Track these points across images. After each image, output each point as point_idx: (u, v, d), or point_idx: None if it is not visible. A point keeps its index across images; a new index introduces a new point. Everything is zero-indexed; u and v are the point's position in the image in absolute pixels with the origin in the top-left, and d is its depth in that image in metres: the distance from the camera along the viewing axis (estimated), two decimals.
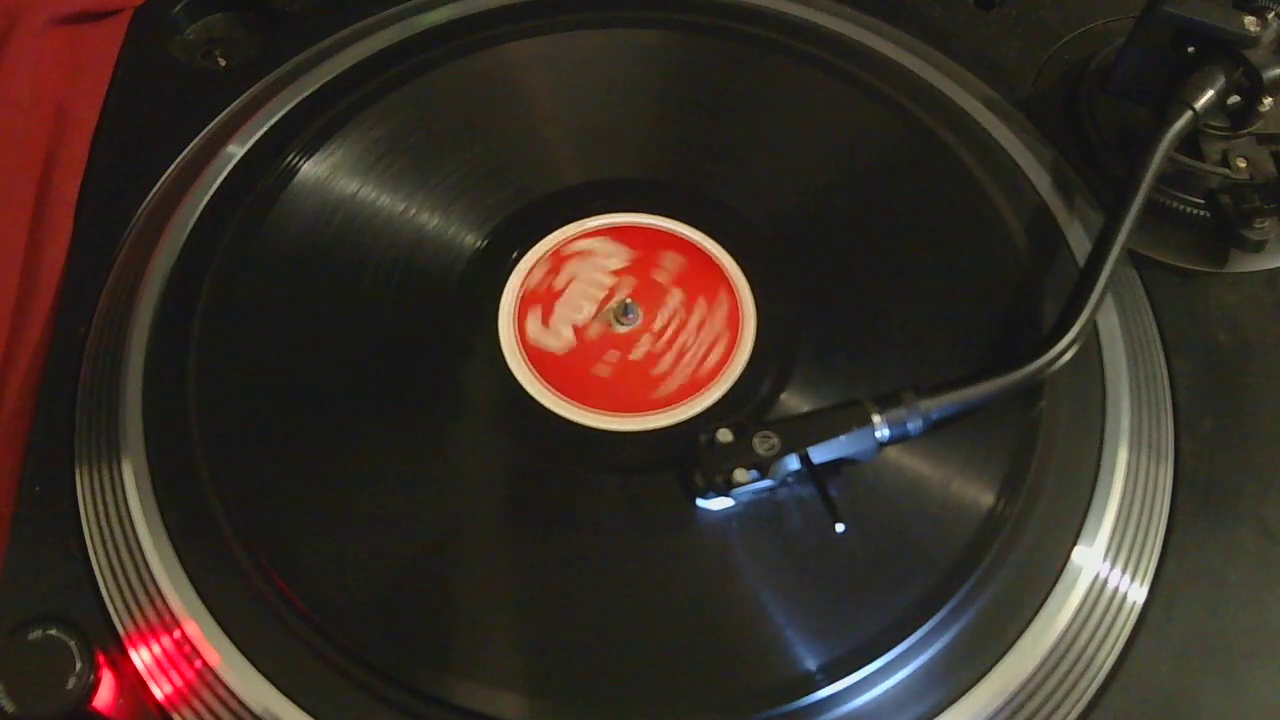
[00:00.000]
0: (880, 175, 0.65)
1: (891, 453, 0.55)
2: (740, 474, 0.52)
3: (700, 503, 0.54)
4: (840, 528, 0.51)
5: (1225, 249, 0.63)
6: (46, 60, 0.71)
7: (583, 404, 0.57)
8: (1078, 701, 0.52)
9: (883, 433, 0.53)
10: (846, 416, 0.53)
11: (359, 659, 0.51)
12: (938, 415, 0.54)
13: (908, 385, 0.54)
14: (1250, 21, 0.59)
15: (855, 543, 0.53)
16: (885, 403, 0.54)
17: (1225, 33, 0.60)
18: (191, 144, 0.67)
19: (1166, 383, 0.60)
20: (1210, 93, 0.60)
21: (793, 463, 0.52)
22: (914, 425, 0.54)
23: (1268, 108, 0.61)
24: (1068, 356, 0.55)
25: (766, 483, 0.52)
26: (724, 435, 0.53)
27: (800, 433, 0.53)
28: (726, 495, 0.53)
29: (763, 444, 0.52)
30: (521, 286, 0.61)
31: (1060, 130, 0.68)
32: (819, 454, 0.53)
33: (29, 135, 0.68)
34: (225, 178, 0.64)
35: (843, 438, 0.53)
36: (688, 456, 0.54)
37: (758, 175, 0.65)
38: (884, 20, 0.72)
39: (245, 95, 0.69)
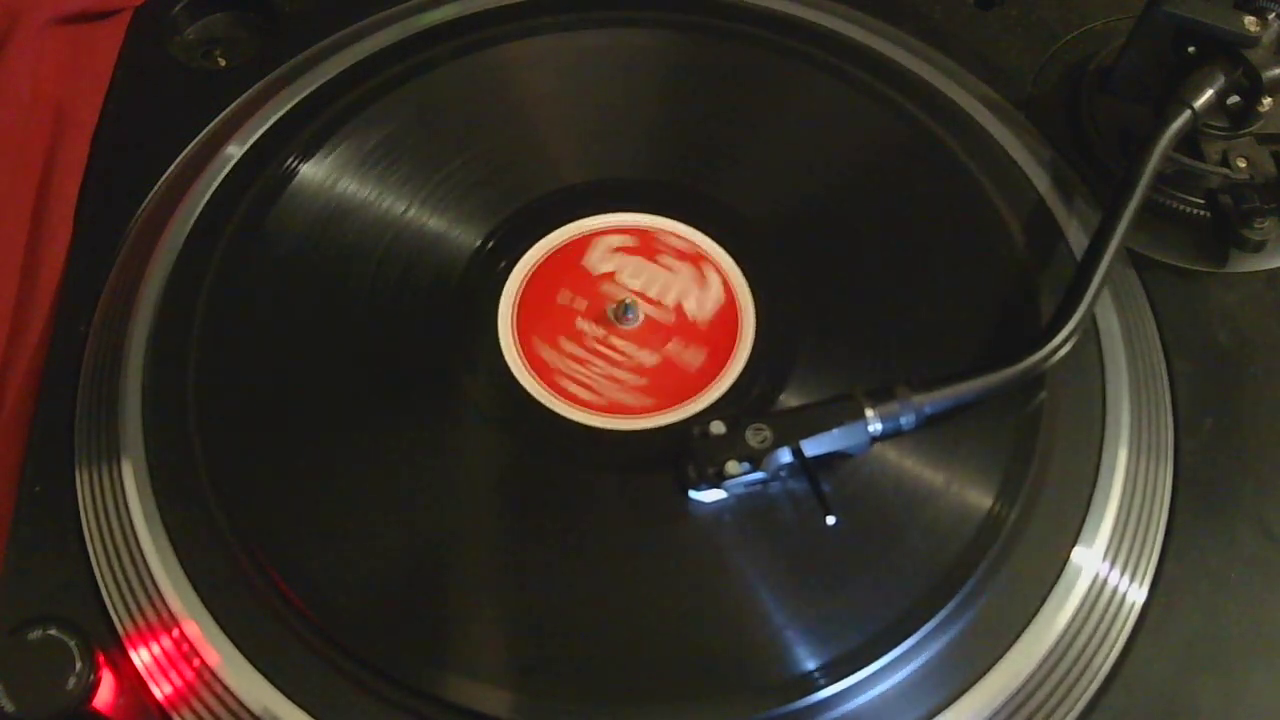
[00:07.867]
0: (880, 175, 0.65)
1: (892, 453, 0.55)
2: (732, 466, 0.52)
3: (692, 494, 0.54)
4: (831, 520, 0.51)
5: (1225, 249, 0.63)
6: (46, 60, 0.71)
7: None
8: (1078, 701, 0.52)
9: (875, 426, 0.53)
10: (839, 410, 0.53)
11: (359, 658, 0.51)
12: (930, 410, 0.54)
13: (903, 380, 0.54)
14: (1250, 21, 0.59)
15: (855, 542, 0.53)
16: (878, 396, 0.54)
17: (1225, 33, 0.60)
18: (191, 144, 0.67)
19: (1166, 383, 0.60)
20: (1209, 92, 0.60)
21: (785, 455, 0.52)
22: (906, 420, 0.53)
23: (1268, 108, 0.61)
24: (1063, 352, 0.55)
25: (759, 475, 0.52)
26: (717, 427, 0.53)
27: (793, 425, 0.53)
28: (719, 487, 0.53)
29: (755, 436, 0.52)
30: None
31: (1060, 130, 0.68)
32: (811, 447, 0.53)
33: (29, 135, 0.68)
34: (225, 178, 0.64)
35: (835, 431, 0.53)
36: (680, 448, 0.54)
37: (758, 175, 0.65)
38: (884, 20, 0.72)
39: (245, 95, 0.69)
